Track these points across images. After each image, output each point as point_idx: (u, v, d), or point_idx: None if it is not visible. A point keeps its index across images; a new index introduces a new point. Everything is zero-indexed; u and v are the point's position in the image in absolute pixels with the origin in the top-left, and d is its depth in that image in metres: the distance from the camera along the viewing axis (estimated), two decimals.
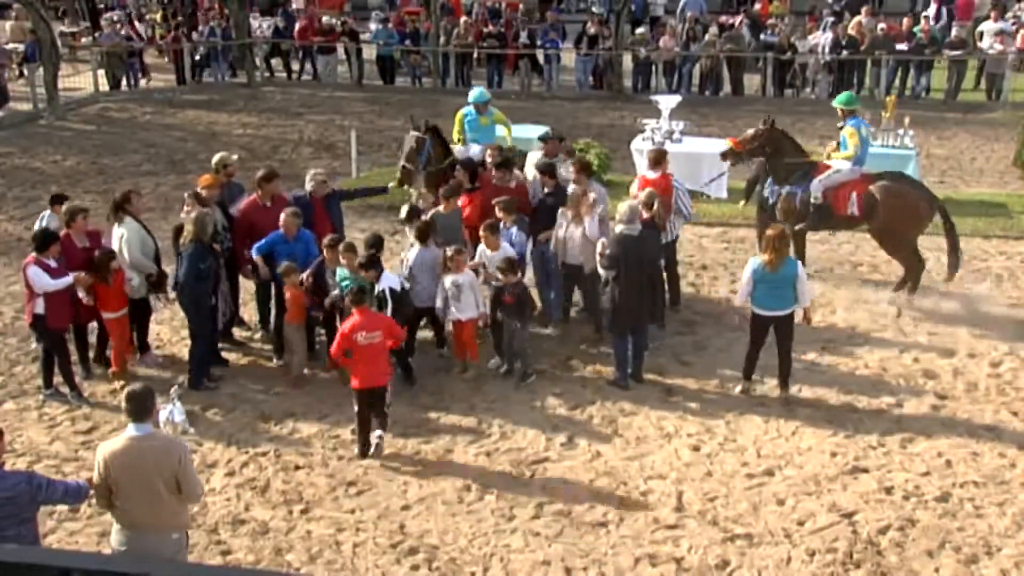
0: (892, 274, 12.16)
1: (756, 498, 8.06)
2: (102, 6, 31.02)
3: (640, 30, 24.34)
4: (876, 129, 15.09)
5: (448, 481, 8.34)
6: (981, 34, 22.51)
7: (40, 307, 9.28)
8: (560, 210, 10.46)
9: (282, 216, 10.00)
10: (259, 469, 8.57)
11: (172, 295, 10.51)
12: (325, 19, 26.41)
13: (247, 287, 10.96)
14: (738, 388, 9.63)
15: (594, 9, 27.82)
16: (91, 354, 10.21)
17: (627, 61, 23.41)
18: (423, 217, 10.39)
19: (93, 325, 10.14)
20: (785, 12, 27.27)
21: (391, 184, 11.68)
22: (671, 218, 10.86)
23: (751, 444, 8.83)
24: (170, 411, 8.28)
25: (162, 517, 6.09)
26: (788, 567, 7.28)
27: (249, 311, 11.13)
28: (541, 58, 23.84)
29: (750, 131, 11.84)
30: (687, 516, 7.85)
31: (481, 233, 10.16)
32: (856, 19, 23.57)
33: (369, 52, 24.71)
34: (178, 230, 10.17)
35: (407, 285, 9.73)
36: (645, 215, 10.21)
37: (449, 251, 9.84)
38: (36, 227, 10.41)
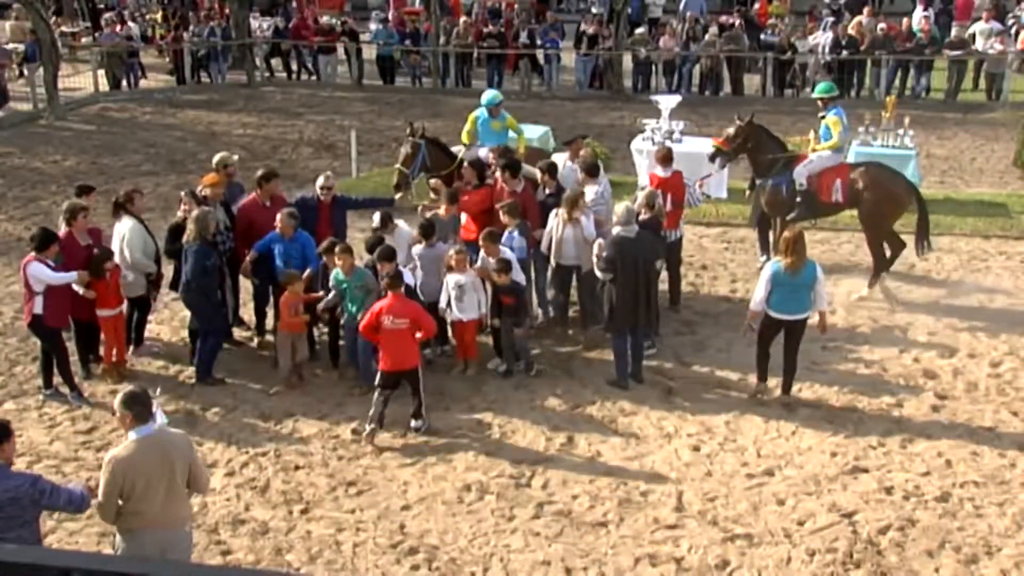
0: (892, 274, 12.17)
1: (756, 498, 8.06)
2: (102, 6, 31.03)
3: (640, 30, 24.35)
4: (876, 129, 15.11)
5: (448, 481, 8.34)
6: (974, 36, 22.52)
7: (39, 307, 9.27)
8: (554, 211, 10.44)
9: (279, 217, 10.00)
10: (259, 469, 8.57)
11: (167, 294, 10.56)
12: (325, 19, 26.40)
13: (246, 287, 10.95)
14: (752, 392, 9.47)
15: (593, 9, 27.82)
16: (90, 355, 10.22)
17: (627, 61, 23.41)
18: (426, 215, 10.44)
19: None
20: (785, 12, 27.26)
21: (397, 196, 11.62)
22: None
23: (751, 444, 8.83)
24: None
25: (182, 511, 6.22)
26: (788, 567, 7.28)
27: (249, 311, 11.13)
28: (541, 58, 23.83)
29: (731, 129, 11.97)
30: (687, 516, 7.85)
31: (481, 242, 10.15)
32: (856, 19, 23.58)
33: (369, 52, 24.71)
34: (173, 229, 10.17)
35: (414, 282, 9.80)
36: (645, 215, 10.22)
37: (452, 252, 9.85)
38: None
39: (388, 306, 8.87)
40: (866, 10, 24.46)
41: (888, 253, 11.64)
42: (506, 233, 10.30)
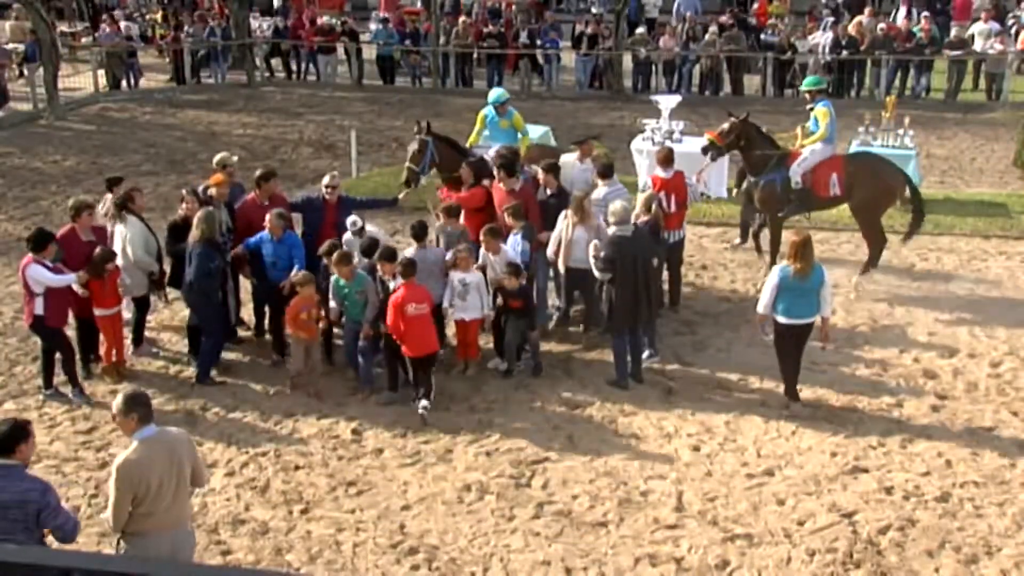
0: (892, 274, 12.18)
1: (756, 498, 8.06)
2: (105, 4, 31.03)
3: (640, 30, 24.35)
4: (876, 129, 15.11)
5: (448, 481, 8.34)
6: (972, 36, 22.53)
7: (39, 307, 9.28)
8: (563, 212, 10.37)
9: (267, 217, 9.98)
10: (259, 469, 8.57)
11: (170, 294, 10.56)
12: (325, 19, 26.39)
13: (246, 287, 10.95)
14: (785, 412, 9.21)
15: (593, 9, 27.82)
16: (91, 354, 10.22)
17: (627, 61, 23.41)
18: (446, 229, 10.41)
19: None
20: (785, 12, 27.26)
21: (400, 195, 11.57)
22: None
23: (751, 444, 8.83)
24: None
25: (186, 509, 6.26)
26: (788, 567, 7.28)
27: (249, 311, 11.12)
28: (541, 58, 23.83)
29: (725, 125, 11.97)
30: (687, 516, 7.85)
31: (482, 238, 10.15)
32: (856, 19, 23.58)
33: (369, 52, 24.71)
34: (172, 228, 10.15)
35: None
36: (644, 218, 10.21)
37: (456, 250, 9.82)
38: (99, 209, 10.52)
39: (406, 295, 9.08)
40: (867, 10, 24.46)
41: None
42: (510, 236, 10.26)
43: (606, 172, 10.94)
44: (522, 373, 10.03)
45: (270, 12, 28.29)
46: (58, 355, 9.68)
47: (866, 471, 8.38)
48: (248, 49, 25.01)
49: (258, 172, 10.71)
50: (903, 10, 24.81)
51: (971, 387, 9.77)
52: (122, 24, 25.01)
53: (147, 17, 28.57)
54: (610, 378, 9.85)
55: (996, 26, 22.78)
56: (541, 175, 10.94)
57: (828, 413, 9.25)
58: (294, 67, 25.20)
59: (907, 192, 11.99)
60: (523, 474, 8.43)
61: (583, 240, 10.07)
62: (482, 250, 10.16)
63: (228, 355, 10.47)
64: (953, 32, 22.75)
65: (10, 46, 23.44)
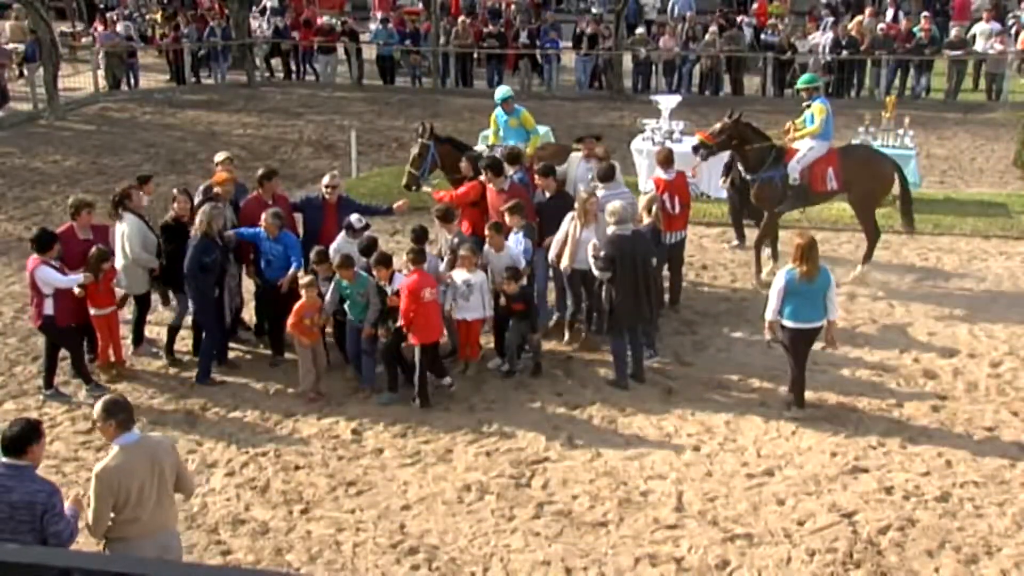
0: (892, 274, 12.18)
1: (756, 498, 8.05)
2: (102, 6, 31.03)
3: (640, 30, 24.35)
4: (876, 129, 15.11)
5: (448, 481, 8.34)
6: (974, 36, 22.53)
7: (49, 307, 9.32)
8: (570, 214, 10.27)
9: (263, 216, 9.98)
10: (259, 469, 8.57)
11: (172, 299, 10.58)
12: (325, 19, 26.40)
13: (247, 286, 10.95)
14: (787, 413, 9.20)
15: (593, 9, 27.82)
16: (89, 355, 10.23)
17: (627, 61, 23.41)
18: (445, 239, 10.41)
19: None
20: (785, 12, 27.27)
21: (395, 205, 11.44)
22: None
23: (751, 444, 8.82)
24: None
25: (171, 514, 6.22)
26: (788, 567, 7.28)
27: (249, 310, 11.12)
28: (540, 58, 23.83)
29: (718, 124, 11.96)
30: (687, 516, 7.85)
31: (486, 233, 10.13)
32: (856, 19, 23.58)
33: (369, 52, 24.71)
34: (164, 228, 10.12)
35: None
36: (646, 220, 10.17)
37: (462, 250, 9.80)
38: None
39: (419, 282, 9.21)
40: (867, 11, 24.45)
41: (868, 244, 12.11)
42: (511, 235, 10.24)
43: (607, 176, 10.86)
44: (522, 373, 10.03)
45: (275, 12, 28.24)
46: (62, 353, 9.70)
47: (866, 471, 8.38)
48: (248, 49, 25.01)
49: (260, 171, 10.73)
50: (891, 12, 24.83)
51: (971, 387, 9.77)
52: (120, 25, 24.98)
53: (147, 17, 28.56)
54: (610, 378, 9.85)
55: (997, 26, 22.79)
56: (538, 179, 10.87)
57: (828, 413, 9.24)
58: (294, 67, 25.21)
59: (897, 183, 12.11)
60: (523, 474, 8.43)
61: (589, 241, 9.97)
62: (486, 247, 10.12)
63: (229, 354, 10.47)
64: (953, 32, 22.75)
65: (10, 46, 23.44)
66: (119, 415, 5.94)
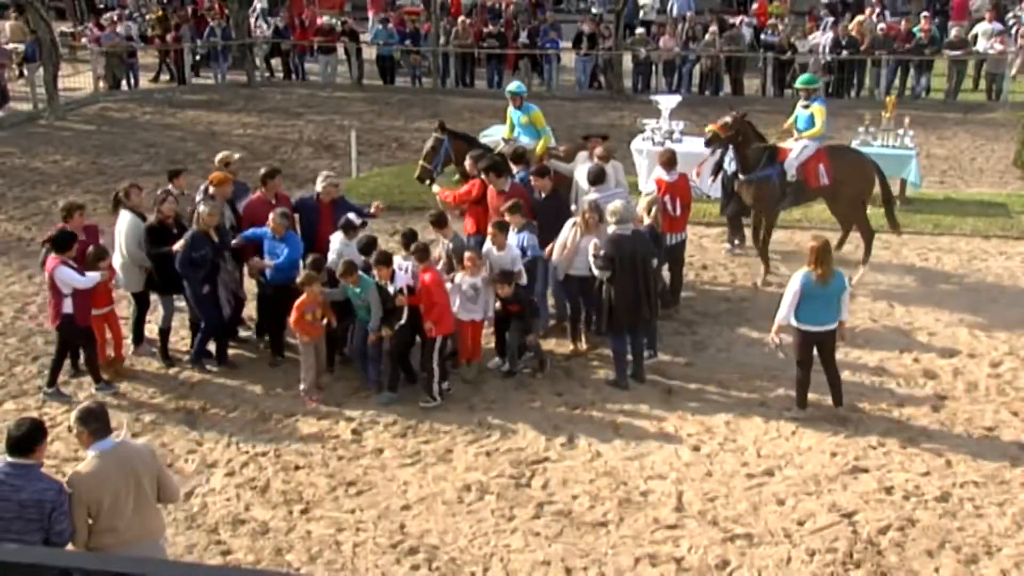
0: (892, 274, 12.18)
1: (756, 498, 8.05)
2: (101, 6, 31.03)
3: (640, 30, 24.35)
4: (876, 129, 15.11)
5: (448, 481, 8.34)
6: (975, 36, 22.53)
7: (69, 307, 9.34)
8: (571, 220, 10.20)
9: (271, 216, 9.98)
10: (259, 469, 8.57)
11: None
12: (325, 19, 26.40)
13: (249, 286, 10.94)
14: (787, 414, 9.20)
15: (593, 9, 27.82)
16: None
17: (627, 61, 23.41)
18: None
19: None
20: (785, 12, 27.26)
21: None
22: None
23: (751, 444, 8.82)
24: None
25: (154, 522, 6.12)
26: (788, 567, 7.28)
27: (250, 310, 11.11)
28: (540, 58, 23.84)
29: (727, 118, 11.92)
30: (687, 516, 7.85)
31: (489, 231, 10.12)
32: (857, 19, 23.58)
33: (369, 52, 24.72)
34: (150, 230, 10.05)
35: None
36: (648, 221, 10.15)
37: (467, 253, 9.77)
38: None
39: (436, 278, 9.36)
40: (867, 11, 24.44)
41: (842, 238, 12.43)
42: (515, 235, 10.21)
43: (597, 178, 10.83)
44: (523, 373, 10.02)
45: (269, 12, 28.26)
46: (57, 353, 9.71)
47: (866, 471, 8.38)
48: (248, 49, 25.01)
49: (262, 170, 10.73)
50: (877, 9, 24.86)
51: (971, 387, 9.77)
52: (120, 25, 24.98)
53: (147, 17, 28.56)
54: (610, 378, 9.85)
55: (999, 26, 22.79)
56: (533, 179, 10.85)
57: (828, 413, 9.24)
58: (293, 67, 25.24)
59: (877, 184, 12.28)
60: (523, 474, 8.43)
61: (587, 251, 9.88)
62: (487, 245, 10.10)
63: (229, 353, 10.47)
64: (953, 32, 22.75)
65: (10, 46, 23.44)
66: (92, 424, 5.90)
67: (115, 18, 26.01)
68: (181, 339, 10.75)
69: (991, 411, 9.33)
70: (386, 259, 9.49)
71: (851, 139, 15.41)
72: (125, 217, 10.19)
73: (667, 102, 15.72)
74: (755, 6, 27.26)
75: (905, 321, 11.13)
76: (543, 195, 10.76)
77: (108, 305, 9.99)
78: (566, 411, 9.40)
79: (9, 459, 5.76)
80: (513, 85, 13.19)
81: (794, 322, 8.89)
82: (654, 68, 23.38)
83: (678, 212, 10.94)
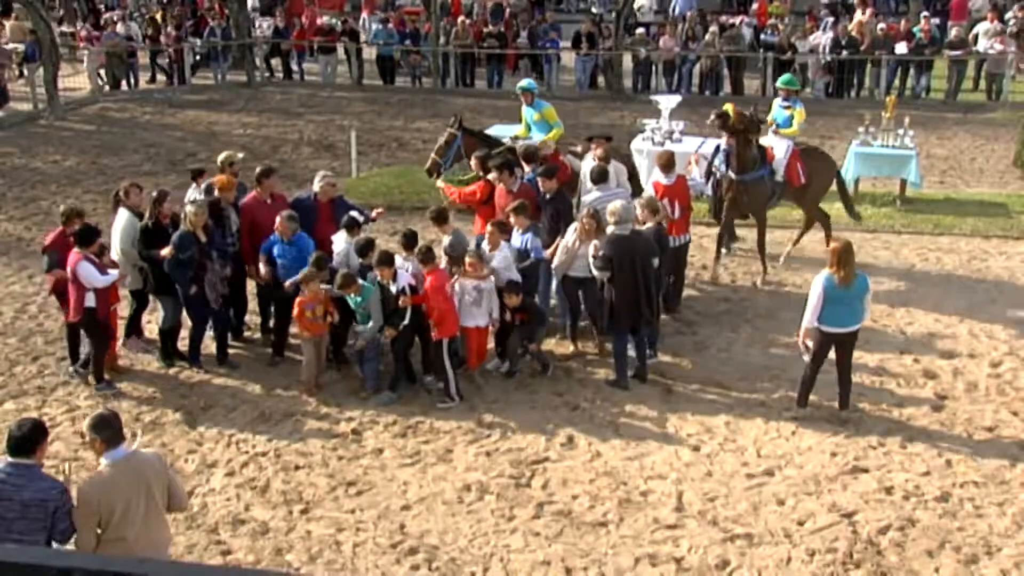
0: (892, 274, 12.18)
1: (756, 498, 8.05)
2: (102, 6, 31.04)
3: (640, 30, 24.36)
4: (876, 129, 15.11)
5: (448, 481, 8.34)
6: (976, 36, 22.53)
7: (91, 300, 9.38)
8: (573, 225, 10.16)
9: (278, 220, 9.98)
10: (259, 469, 8.57)
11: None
12: (325, 19, 26.40)
13: (249, 287, 10.94)
14: (787, 413, 9.21)
15: (593, 9, 27.81)
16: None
17: (627, 61, 23.41)
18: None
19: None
20: (785, 12, 27.27)
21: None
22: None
23: (751, 444, 8.82)
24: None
25: (163, 532, 6.10)
26: (788, 567, 7.28)
27: (253, 306, 11.10)
28: (541, 58, 23.85)
29: (746, 111, 11.92)
30: (687, 516, 7.85)
31: (487, 229, 10.10)
32: (857, 19, 23.58)
33: (369, 52, 24.72)
34: (143, 231, 10.04)
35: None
36: (651, 222, 10.10)
37: (468, 257, 9.76)
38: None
39: (439, 278, 9.29)
40: (868, 11, 24.44)
41: (802, 234, 12.82)
42: (519, 236, 10.20)
43: (599, 177, 10.83)
44: (522, 373, 10.01)
45: (270, 12, 28.28)
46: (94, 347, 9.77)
47: (866, 471, 8.38)
48: (248, 49, 25.01)
49: (257, 169, 10.71)
50: (858, 12, 24.87)
51: (971, 387, 9.77)
52: (120, 25, 24.99)
53: (147, 17, 28.55)
54: (610, 378, 9.85)
55: (1000, 26, 22.78)
56: (540, 180, 10.83)
57: (828, 413, 9.24)
58: (293, 67, 25.24)
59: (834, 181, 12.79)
60: (523, 474, 8.43)
61: (585, 255, 9.87)
62: (482, 244, 10.07)
63: (229, 353, 10.47)
64: (953, 32, 22.75)
65: (10, 46, 23.45)
66: (104, 432, 5.84)
67: (115, 18, 26.02)
68: (181, 338, 10.73)
69: (991, 411, 9.33)
70: (388, 259, 9.48)
71: (851, 139, 15.43)
72: (123, 216, 10.22)
73: (667, 102, 15.71)
74: (755, 6, 27.25)
75: (905, 321, 11.13)
76: (548, 196, 10.72)
77: (115, 303, 10.01)
78: (566, 411, 9.40)
79: (10, 459, 5.76)
80: (524, 82, 13.29)
81: (817, 324, 8.85)
82: (654, 68, 23.38)
83: (677, 214, 10.92)
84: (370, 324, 9.50)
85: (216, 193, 10.46)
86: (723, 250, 12.81)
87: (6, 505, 5.64)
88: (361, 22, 27.35)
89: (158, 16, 27.16)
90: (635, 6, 26.94)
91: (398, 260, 9.68)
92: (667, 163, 11.08)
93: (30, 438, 5.75)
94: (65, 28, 27.34)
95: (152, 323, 10.77)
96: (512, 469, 8.49)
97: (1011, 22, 23.97)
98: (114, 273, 9.50)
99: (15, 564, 2.61)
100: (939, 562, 7.29)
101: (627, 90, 23.05)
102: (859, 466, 8.44)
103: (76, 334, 10.06)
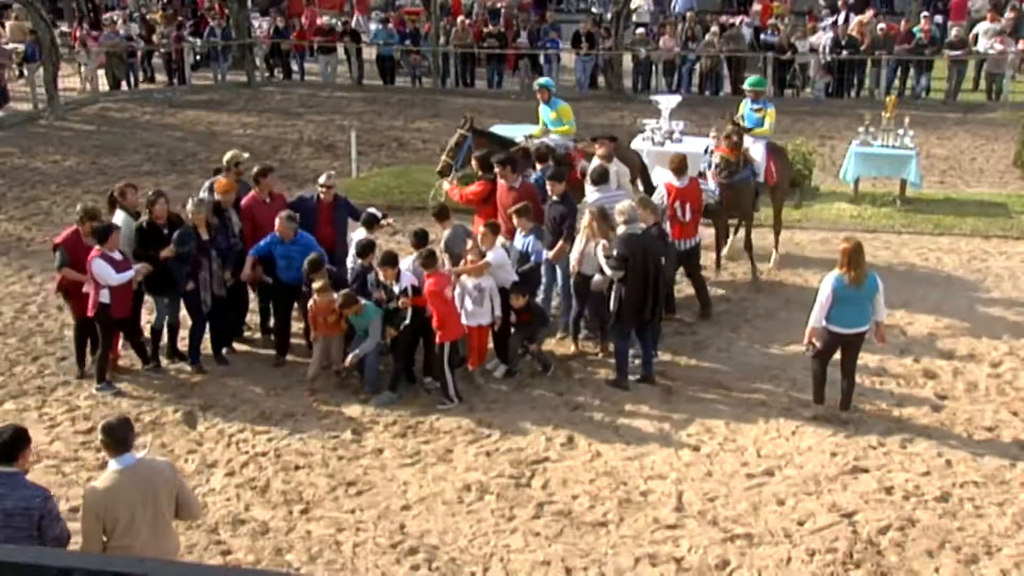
0: (892, 274, 12.18)
1: (756, 498, 8.05)
2: (102, 6, 31.02)
3: (640, 30, 24.35)
4: (876, 129, 15.11)
5: (448, 481, 8.34)
6: (976, 36, 22.53)
7: (106, 296, 9.39)
8: (581, 227, 10.16)
9: (277, 221, 9.97)
10: (259, 469, 8.57)
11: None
12: (325, 19, 26.40)
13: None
14: (808, 413, 9.19)
15: (593, 9, 27.81)
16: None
17: (627, 61, 23.41)
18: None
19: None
20: (785, 12, 27.26)
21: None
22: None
23: (751, 444, 8.82)
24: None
25: (171, 541, 6.02)
26: (788, 567, 7.28)
27: (254, 305, 11.11)
28: (541, 58, 23.83)
29: (734, 136, 11.95)
30: (687, 516, 7.85)
31: (480, 231, 10.11)
32: (857, 19, 23.58)
33: (369, 52, 24.72)
34: (139, 230, 10.04)
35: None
36: (650, 222, 10.11)
37: (469, 256, 9.77)
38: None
39: (439, 282, 9.21)
40: (869, 12, 24.44)
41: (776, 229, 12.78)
42: (522, 239, 10.19)
43: (600, 178, 10.81)
44: (522, 373, 10.01)
45: (265, 13, 28.27)
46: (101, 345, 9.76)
47: (866, 471, 8.38)
48: (248, 49, 25.01)
49: (255, 169, 10.70)
50: (843, 14, 24.88)
51: (971, 387, 9.77)
52: (120, 26, 24.99)
53: (147, 17, 28.54)
54: (610, 378, 9.84)
55: (1000, 25, 22.77)
56: (548, 183, 10.78)
57: (828, 413, 9.24)
58: (294, 67, 25.24)
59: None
60: (523, 474, 8.43)
61: (592, 254, 9.88)
62: (474, 242, 10.05)
63: (229, 355, 10.47)
64: (953, 32, 22.75)
65: (10, 46, 23.44)
66: (115, 437, 5.79)
67: (115, 18, 26.01)
68: (181, 338, 10.73)
69: (991, 411, 9.33)
70: (391, 259, 9.48)
71: (851, 139, 15.43)
72: (119, 216, 10.20)
73: (667, 102, 15.69)
74: (757, 7, 27.23)
75: (905, 321, 11.13)
76: (554, 198, 10.66)
77: (127, 307, 10.01)
78: (566, 411, 9.40)
79: None
80: (542, 79, 13.35)
81: (826, 324, 8.82)
82: (654, 68, 23.37)
83: (688, 217, 10.88)
84: (367, 341, 9.50)
85: (216, 196, 10.45)
86: (723, 250, 12.86)
87: None
88: (355, 22, 27.32)
89: (157, 16, 27.17)
90: (632, 6, 26.94)
91: (404, 261, 9.70)
92: (679, 166, 10.98)
93: (12, 444, 5.66)
94: (64, 28, 27.31)
95: (151, 323, 10.76)
96: (512, 469, 8.49)
97: (1002, 20, 23.98)
98: (130, 272, 9.48)
99: (15, 564, 2.61)
100: (939, 562, 7.29)
101: (627, 90, 23.04)
102: (859, 466, 8.44)
103: (85, 334, 10.05)
